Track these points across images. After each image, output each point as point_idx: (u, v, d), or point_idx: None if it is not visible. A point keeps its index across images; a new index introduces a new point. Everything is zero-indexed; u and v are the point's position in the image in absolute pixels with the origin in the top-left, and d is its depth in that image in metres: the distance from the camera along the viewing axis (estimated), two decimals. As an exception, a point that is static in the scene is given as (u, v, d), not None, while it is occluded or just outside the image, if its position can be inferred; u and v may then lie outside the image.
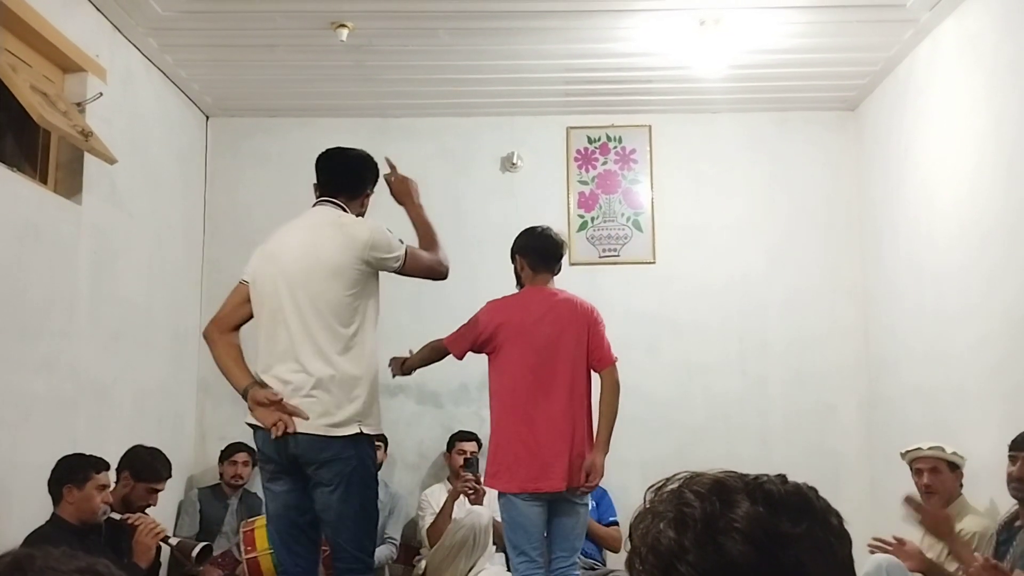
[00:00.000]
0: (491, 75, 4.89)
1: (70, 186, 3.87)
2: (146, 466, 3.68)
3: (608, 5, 4.13)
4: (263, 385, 3.06)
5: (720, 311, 5.29)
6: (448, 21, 4.23)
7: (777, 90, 5.09)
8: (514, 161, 5.41)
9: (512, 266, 3.73)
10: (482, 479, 3.99)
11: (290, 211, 5.38)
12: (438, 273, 3.29)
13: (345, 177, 3.21)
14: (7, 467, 3.27)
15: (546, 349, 3.49)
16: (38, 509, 3.48)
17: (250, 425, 3.14)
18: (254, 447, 4.95)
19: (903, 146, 4.68)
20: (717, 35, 4.26)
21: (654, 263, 5.36)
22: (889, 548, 3.26)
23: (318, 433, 3.00)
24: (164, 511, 4.41)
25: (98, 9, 4.03)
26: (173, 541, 3.52)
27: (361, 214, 3.25)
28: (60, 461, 3.33)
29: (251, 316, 3.20)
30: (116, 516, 3.48)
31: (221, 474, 4.92)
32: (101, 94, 3.96)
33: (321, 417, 3.00)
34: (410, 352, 3.94)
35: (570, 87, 5.06)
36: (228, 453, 4.93)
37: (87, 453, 3.44)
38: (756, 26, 4.27)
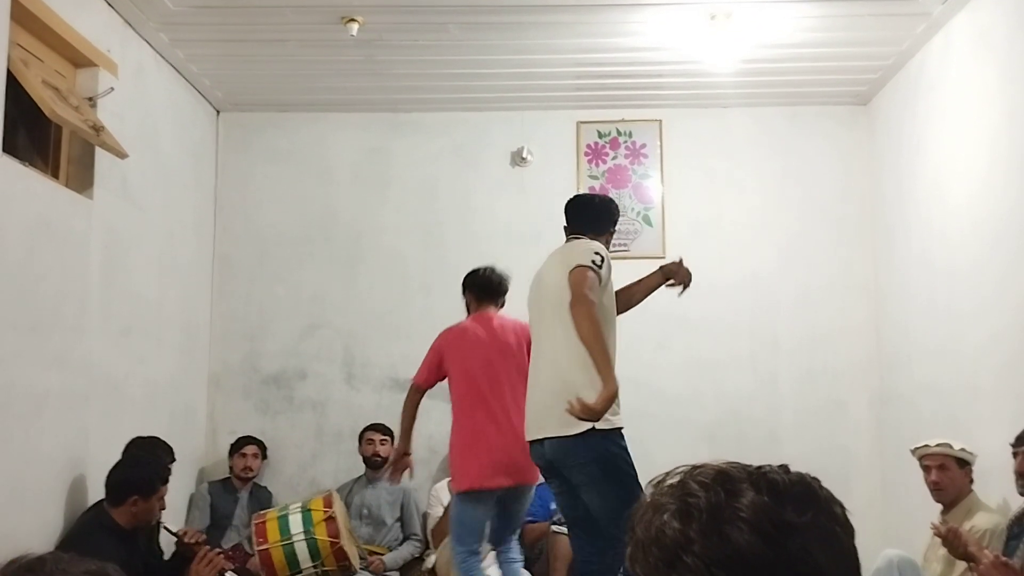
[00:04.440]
0: (501, 69, 4.88)
1: (82, 181, 3.89)
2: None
3: (618, -1, 4.12)
4: None
5: (731, 307, 5.27)
6: (458, 15, 4.23)
7: (788, 84, 5.07)
8: (524, 156, 5.40)
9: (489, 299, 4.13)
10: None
11: (300, 205, 5.47)
12: (579, 299, 3.28)
13: (587, 219, 3.58)
14: (21, 461, 3.28)
15: (488, 363, 3.95)
16: (52, 502, 3.51)
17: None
18: (263, 440, 5.06)
19: (915, 141, 4.65)
20: (728, 29, 4.24)
21: (664, 258, 5.31)
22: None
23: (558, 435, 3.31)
24: (175, 504, 4.44)
25: (109, 4, 4.04)
26: None
27: None
28: (131, 463, 3.38)
29: None
30: (172, 529, 3.52)
31: (231, 467, 4.95)
32: (112, 89, 3.97)
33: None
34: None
35: (580, 81, 5.05)
36: (238, 446, 4.96)
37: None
38: (767, 20, 4.25)
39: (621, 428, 3.31)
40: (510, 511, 3.98)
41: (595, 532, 3.34)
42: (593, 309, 3.23)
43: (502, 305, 4.14)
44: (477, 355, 3.94)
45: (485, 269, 4.14)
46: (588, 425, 3.21)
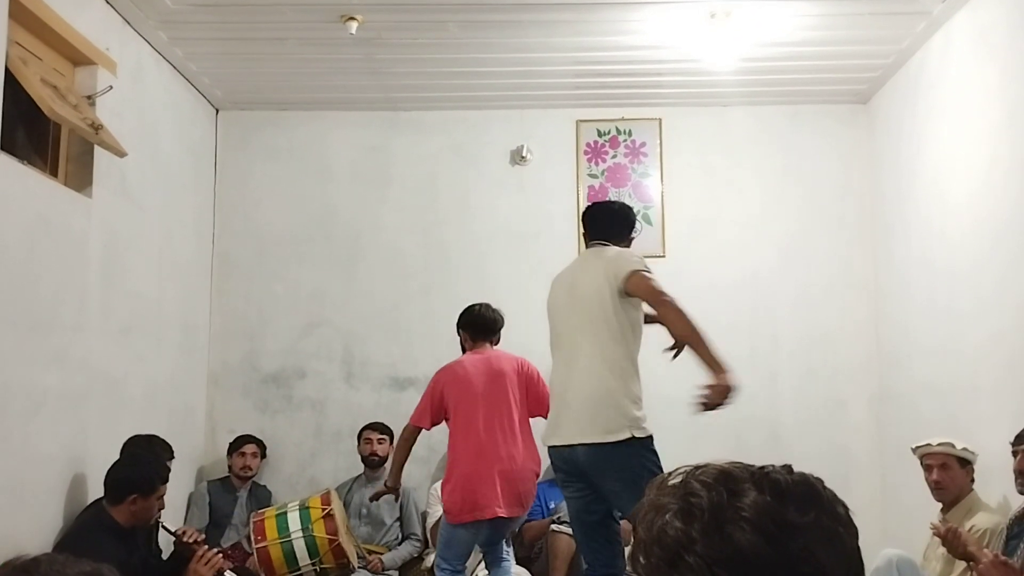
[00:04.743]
0: (501, 68, 4.87)
1: (80, 179, 3.88)
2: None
3: (618, -2, 4.11)
4: None
5: (731, 306, 5.26)
6: (458, 14, 4.22)
7: (788, 83, 5.06)
8: (523, 154, 5.40)
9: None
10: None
11: (299, 204, 5.46)
12: (662, 301, 3.31)
13: (609, 225, 3.61)
14: (19, 459, 3.28)
15: (485, 400, 3.97)
16: (50, 500, 3.50)
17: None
18: (262, 438, 5.05)
19: (915, 140, 4.64)
20: (728, 28, 4.24)
21: (664, 257, 5.33)
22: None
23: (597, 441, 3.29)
24: (174, 503, 4.43)
25: (108, 2, 4.03)
26: None
27: None
28: (130, 461, 3.36)
29: None
30: (170, 528, 3.51)
31: (230, 466, 4.94)
32: (111, 87, 3.97)
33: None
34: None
35: (580, 80, 5.05)
36: (237, 445, 4.95)
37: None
38: (767, 18, 4.24)
39: (652, 435, 3.33)
40: (501, 533, 4.04)
41: (611, 537, 3.39)
42: (678, 303, 3.28)
43: (497, 341, 4.18)
44: (475, 392, 3.97)
45: (479, 307, 4.19)
46: (628, 433, 3.25)
